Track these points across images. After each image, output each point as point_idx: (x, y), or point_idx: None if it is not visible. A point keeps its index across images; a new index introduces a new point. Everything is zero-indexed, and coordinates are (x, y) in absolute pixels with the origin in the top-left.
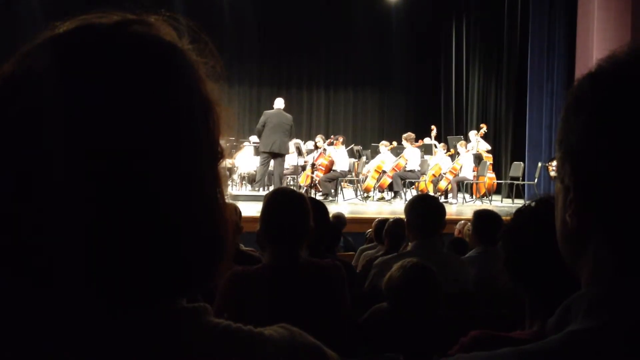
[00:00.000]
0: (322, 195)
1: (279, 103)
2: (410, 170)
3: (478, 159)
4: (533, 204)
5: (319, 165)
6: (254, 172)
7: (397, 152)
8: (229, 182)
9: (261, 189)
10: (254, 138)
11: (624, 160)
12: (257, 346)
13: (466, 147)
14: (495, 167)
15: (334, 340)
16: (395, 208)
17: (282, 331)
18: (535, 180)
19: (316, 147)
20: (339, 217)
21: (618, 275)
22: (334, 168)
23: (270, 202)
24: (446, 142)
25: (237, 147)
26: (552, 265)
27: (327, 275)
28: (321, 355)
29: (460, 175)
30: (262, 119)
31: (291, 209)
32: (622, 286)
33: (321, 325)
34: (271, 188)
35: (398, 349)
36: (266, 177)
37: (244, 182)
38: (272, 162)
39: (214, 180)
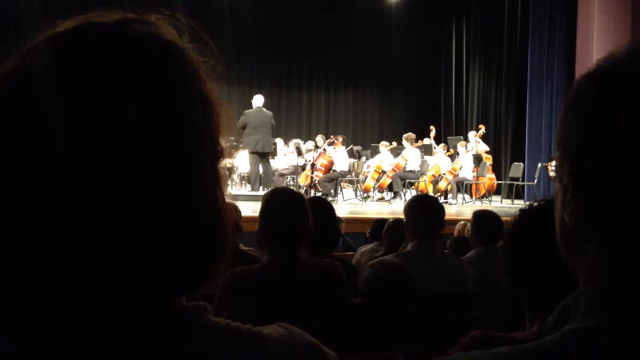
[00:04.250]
0: (322, 195)
1: (258, 101)
2: (410, 171)
3: (478, 159)
4: (536, 204)
5: (319, 165)
6: None
7: (397, 152)
8: (229, 182)
9: (260, 188)
10: None
11: (622, 160)
12: (256, 345)
13: (466, 148)
14: (495, 168)
15: (333, 339)
16: (394, 208)
17: (281, 330)
18: (535, 180)
19: (316, 147)
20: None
21: (616, 274)
22: (333, 168)
23: (269, 202)
24: (446, 142)
25: (236, 147)
26: (553, 265)
27: (327, 275)
28: (320, 355)
29: (460, 175)
30: (242, 119)
31: (290, 209)
32: (620, 285)
33: (320, 325)
34: (267, 187)
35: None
36: (262, 176)
37: (243, 181)
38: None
39: (214, 179)
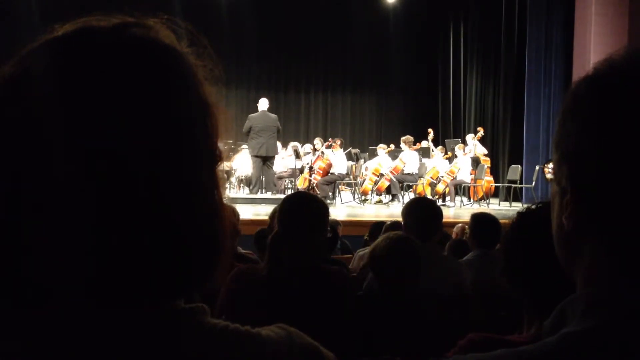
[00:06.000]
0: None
1: (263, 104)
2: (408, 173)
3: (476, 162)
4: (534, 207)
5: (317, 168)
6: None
7: (395, 155)
8: (227, 185)
9: (259, 192)
10: None
11: (620, 163)
12: (254, 346)
13: (464, 150)
14: (493, 170)
15: (333, 343)
16: (392, 211)
17: (280, 331)
18: (533, 183)
19: (314, 150)
20: (335, 221)
21: (614, 277)
22: (331, 171)
23: (289, 205)
24: (444, 145)
25: (235, 150)
26: (551, 268)
27: (334, 281)
28: (318, 356)
29: (458, 178)
30: (247, 123)
31: (309, 214)
32: (618, 288)
33: (323, 328)
34: (268, 191)
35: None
36: (262, 179)
37: (241, 184)
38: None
39: (212, 182)
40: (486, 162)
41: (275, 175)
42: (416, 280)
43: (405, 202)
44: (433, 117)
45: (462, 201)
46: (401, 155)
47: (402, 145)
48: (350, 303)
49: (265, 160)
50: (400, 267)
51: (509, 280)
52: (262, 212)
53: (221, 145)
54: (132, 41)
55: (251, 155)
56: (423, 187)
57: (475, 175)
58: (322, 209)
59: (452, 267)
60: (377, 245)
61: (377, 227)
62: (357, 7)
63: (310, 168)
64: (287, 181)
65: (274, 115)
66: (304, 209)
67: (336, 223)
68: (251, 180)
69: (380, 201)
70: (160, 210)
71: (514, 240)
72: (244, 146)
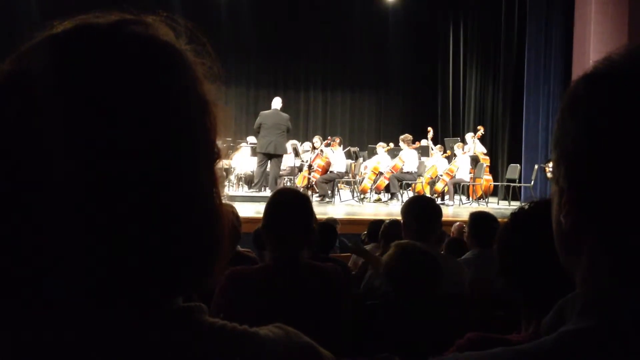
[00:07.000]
0: (319, 196)
1: (276, 103)
2: (407, 172)
3: (475, 160)
4: (527, 206)
5: (316, 166)
6: (251, 173)
7: (394, 153)
8: (226, 183)
9: (260, 189)
10: (251, 139)
11: (618, 162)
12: (252, 346)
13: (463, 149)
14: (492, 169)
15: (331, 342)
16: (391, 209)
17: (277, 331)
18: (532, 182)
19: (313, 148)
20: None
21: (612, 276)
22: (330, 169)
23: (275, 202)
24: (443, 143)
25: (234, 148)
26: (547, 267)
27: (328, 279)
28: (316, 355)
29: (457, 177)
30: (257, 120)
31: (295, 210)
32: (616, 287)
33: (319, 327)
34: (268, 189)
35: (394, 347)
36: (264, 178)
37: (240, 182)
38: (268, 162)
39: (211, 180)
40: (485, 161)
41: None
42: (436, 290)
43: (404, 201)
44: (432, 115)
45: (461, 200)
46: (400, 153)
47: (402, 143)
48: (348, 301)
49: (271, 157)
50: (423, 282)
51: (506, 280)
52: (262, 210)
53: (220, 143)
54: (131, 38)
55: (257, 152)
56: (422, 186)
57: (474, 174)
58: (304, 202)
59: (451, 267)
60: (394, 259)
61: (375, 225)
62: (357, 6)
63: (309, 166)
64: (285, 179)
65: (285, 115)
66: (286, 202)
67: (335, 221)
68: (251, 178)
69: (379, 200)
70: (159, 208)
71: (508, 241)
72: (243, 144)
